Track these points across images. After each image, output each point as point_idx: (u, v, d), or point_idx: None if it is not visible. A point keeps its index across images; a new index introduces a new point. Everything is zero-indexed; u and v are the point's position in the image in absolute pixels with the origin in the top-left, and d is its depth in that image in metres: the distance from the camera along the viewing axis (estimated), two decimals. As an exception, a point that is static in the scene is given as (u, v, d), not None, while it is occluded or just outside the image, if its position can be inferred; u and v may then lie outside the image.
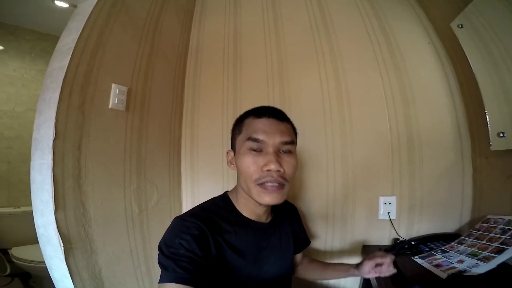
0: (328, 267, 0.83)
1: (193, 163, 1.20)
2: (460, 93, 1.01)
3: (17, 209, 1.95)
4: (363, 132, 1.07)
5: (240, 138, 0.61)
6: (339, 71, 1.11)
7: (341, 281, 1.09)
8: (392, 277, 0.69)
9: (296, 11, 1.23)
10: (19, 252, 1.70)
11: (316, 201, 1.09)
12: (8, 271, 1.83)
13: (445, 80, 1.03)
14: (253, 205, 0.62)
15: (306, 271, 0.85)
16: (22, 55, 2.16)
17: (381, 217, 1.03)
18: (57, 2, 1.67)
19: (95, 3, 0.81)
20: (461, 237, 0.84)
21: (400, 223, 1.03)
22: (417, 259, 0.78)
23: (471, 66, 0.87)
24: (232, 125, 0.68)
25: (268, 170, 0.55)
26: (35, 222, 0.77)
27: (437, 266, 0.70)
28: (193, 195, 1.19)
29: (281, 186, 0.56)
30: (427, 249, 0.86)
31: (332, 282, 1.09)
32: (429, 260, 0.75)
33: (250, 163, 0.56)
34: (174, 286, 0.46)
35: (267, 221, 0.67)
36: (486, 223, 0.81)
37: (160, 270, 0.50)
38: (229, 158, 0.66)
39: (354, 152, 1.07)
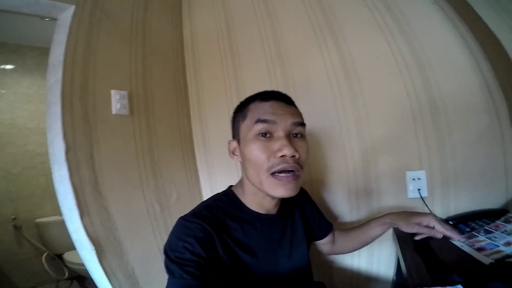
0: (364, 228, 0.79)
1: (207, 156, 1.21)
2: (483, 52, 0.88)
3: (62, 217, 2.07)
4: (377, 103, 0.99)
5: (245, 124, 0.56)
6: (340, 43, 1.04)
7: (374, 266, 1.04)
8: (426, 263, 0.62)
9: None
10: (70, 257, 1.79)
11: (336, 184, 1.04)
12: (67, 274, 1.95)
13: (461, 40, 0.91)
14: (262, 198, 0.58)
15: (345, 242, 0.81)
16: (31, 72, 2.17)
17: (410, 195, 0.94)
18: (46, 19, 1.72)
19: (71, 14, 0.81)
20: (509, 214, 0.73)
21: (434, 200, 0.93)
22: (456, 241, 0.70)
23: (488, 25, 0.78)
24: (233, 112, 0.63)
25: (282, 156, 0.51)
26: (68, 229, 0.83)
27: (480, 249, 0.61)
28: (212, 187, 1.20)
29: (296, 175, 0.52)
30: (468, 229, 0.77)
31: (364, 267, 1.05)
32: (471, 242, 0.67)
33: (261, 150, 0.52)
34: None
35: (276, 212, 0.62)
36: (539, 196, 0.70)
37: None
38: (231, 148, 0.62)
39: (370, 125, 0.99)
